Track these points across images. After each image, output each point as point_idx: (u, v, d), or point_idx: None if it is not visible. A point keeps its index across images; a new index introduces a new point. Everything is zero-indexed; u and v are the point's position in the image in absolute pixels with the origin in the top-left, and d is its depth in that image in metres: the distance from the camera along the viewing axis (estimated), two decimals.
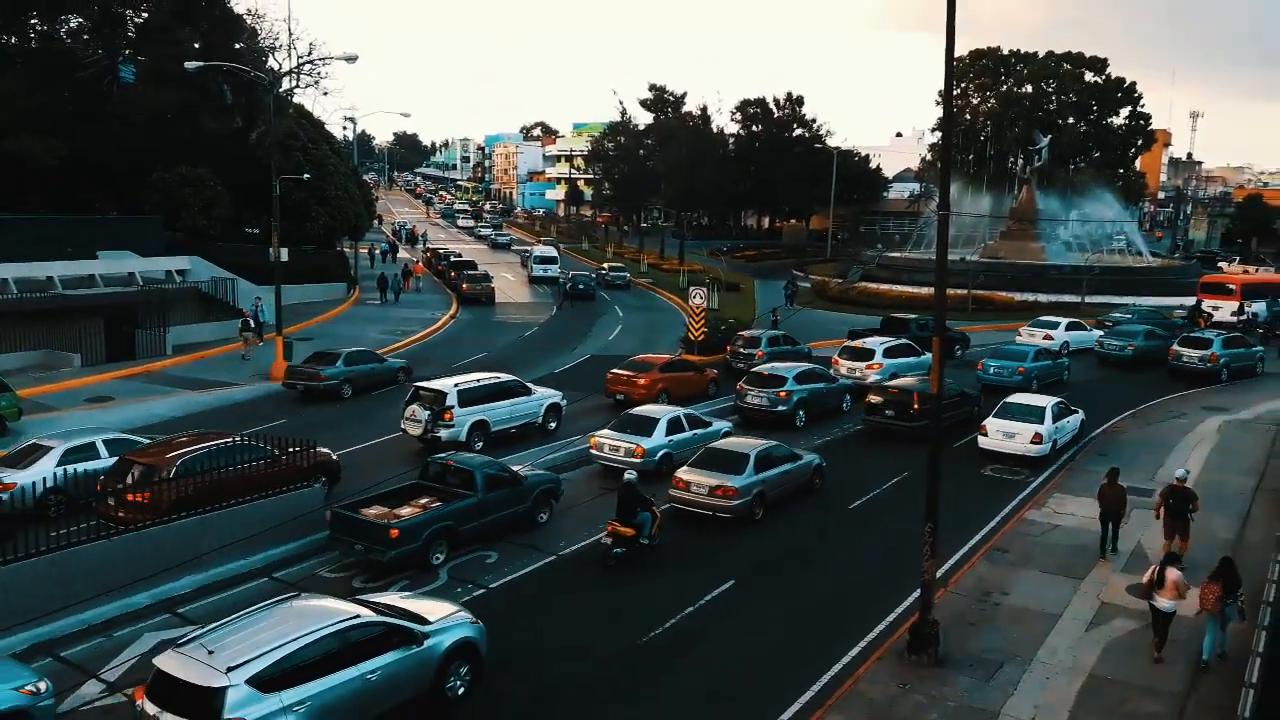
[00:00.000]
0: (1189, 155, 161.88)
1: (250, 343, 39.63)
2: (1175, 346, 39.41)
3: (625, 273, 70.87)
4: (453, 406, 26.20)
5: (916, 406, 28.14)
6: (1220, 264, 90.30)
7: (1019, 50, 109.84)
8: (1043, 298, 58.86)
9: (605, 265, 73.60)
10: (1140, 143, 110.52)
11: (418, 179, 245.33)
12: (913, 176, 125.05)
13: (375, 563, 18.49)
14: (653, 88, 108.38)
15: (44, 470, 20.78)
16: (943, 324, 16.22)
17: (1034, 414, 26.88)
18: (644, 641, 16.20)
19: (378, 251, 77.00)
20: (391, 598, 15.49)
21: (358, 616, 13.42)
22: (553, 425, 29.04)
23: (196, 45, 50.61)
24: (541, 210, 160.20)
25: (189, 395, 32.82)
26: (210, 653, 12.09)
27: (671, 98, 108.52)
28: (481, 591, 18.01)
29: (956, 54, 15.56)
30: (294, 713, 12.06)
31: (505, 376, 29.28)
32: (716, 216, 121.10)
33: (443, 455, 21.73)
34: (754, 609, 17.59)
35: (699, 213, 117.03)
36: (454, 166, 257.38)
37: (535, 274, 70.44)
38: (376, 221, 77.65)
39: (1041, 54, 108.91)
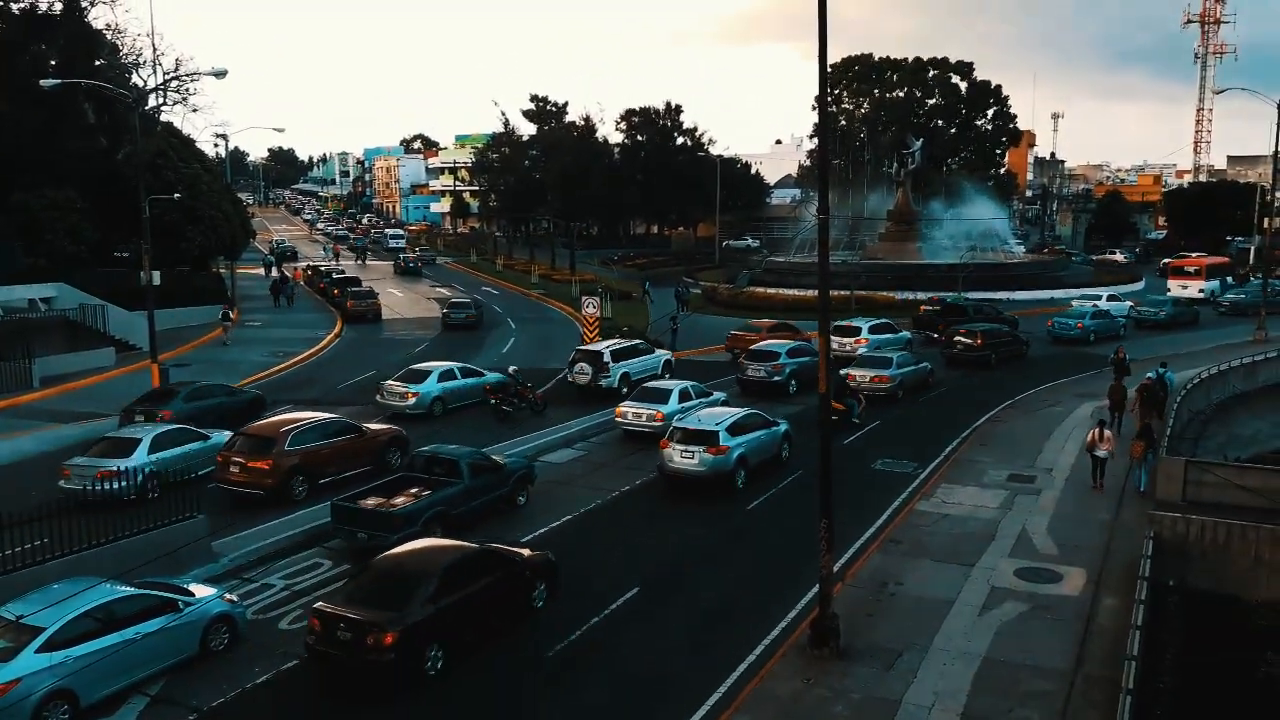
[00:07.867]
0: (1052, 154, 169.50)
1: (229, 329, 45.91)
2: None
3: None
4: (609, 363, 34.66)
5: (980, 342, 40.69)
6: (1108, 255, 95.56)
7: (889, 57, 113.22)
8: (921, 295, 60.39)
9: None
10: (1005, 141, 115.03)
11: (290, 195, 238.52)
12: (793, 182, 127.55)
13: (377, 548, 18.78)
14: (534, 98, 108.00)
15: (431, 385, 32.29)
16: (826, 323, 16.61)
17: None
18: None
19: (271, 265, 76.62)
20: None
21: (753, 410, 26.76)
22: (667, 376, 35.56)
23: (53, 62, 48.37)
24: (427, 223, 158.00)
25: (59, 429, 30.96)
26: (699, 419, 24.88)
27: (554, 108, 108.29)
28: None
29: (829, 61, 15.93)
30: (741, 446, 24.37)
31: (637, 340, 38.80)
32: (606, 225, 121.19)
33: (428, 448, 23.07)
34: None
35: (588, 222, 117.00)
36: (333, 181, 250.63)
37: (389, 245, 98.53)
38: (252, 239, 76.07)
39: (911, 60, 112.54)
